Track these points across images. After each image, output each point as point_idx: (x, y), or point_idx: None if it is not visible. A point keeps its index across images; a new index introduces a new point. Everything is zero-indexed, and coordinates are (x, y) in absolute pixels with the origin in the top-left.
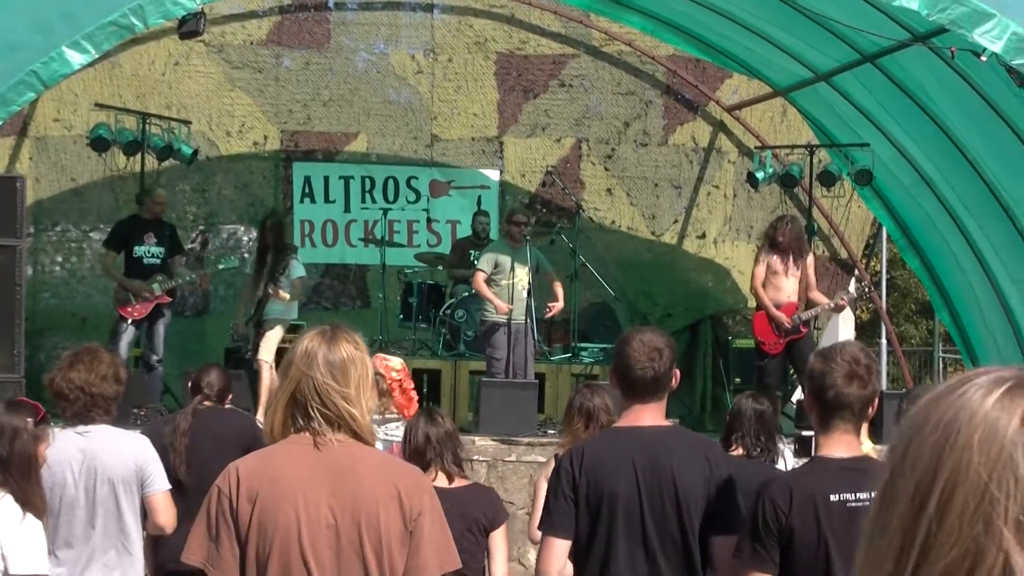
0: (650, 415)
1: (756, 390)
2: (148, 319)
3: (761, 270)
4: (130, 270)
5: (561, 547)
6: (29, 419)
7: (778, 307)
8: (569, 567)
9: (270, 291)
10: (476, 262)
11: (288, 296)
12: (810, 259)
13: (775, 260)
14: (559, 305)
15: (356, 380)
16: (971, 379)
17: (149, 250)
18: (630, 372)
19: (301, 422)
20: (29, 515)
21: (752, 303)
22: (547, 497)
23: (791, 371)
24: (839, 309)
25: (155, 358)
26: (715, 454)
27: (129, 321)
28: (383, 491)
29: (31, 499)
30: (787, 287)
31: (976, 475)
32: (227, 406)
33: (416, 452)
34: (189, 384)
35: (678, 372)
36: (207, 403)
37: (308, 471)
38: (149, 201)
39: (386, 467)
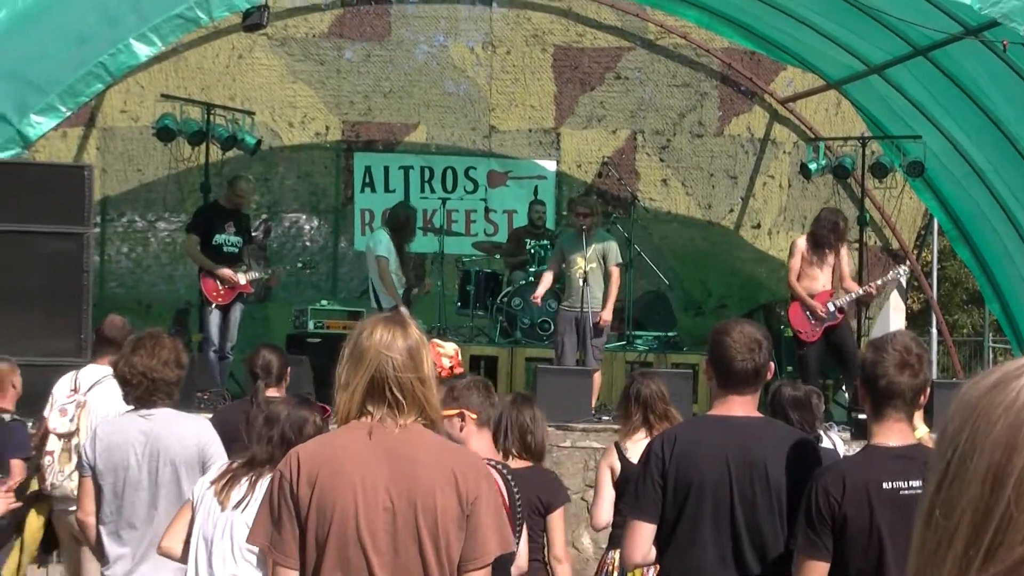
0: (743, 406)
1: (798, 379)
2: (227, 306)
3: (796, 263)
4: (208, 257)
5: (647, 531)
6: (316, 414)
7: (813, 296)
8: (654, 551)
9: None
10: (532, 253)
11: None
12: (844, 249)
13: (810, 251)
14: (605, 316)
15: (428, 364)
16: None
17: (228, 239)
18: (731, 363)
19: (369, 407)
20: None
21: None
22: (636, 481)
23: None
24: (868, 296)
25: (229, 345)
26: (806, 448)
27: (214, 305)
28: (440, 475)
29: None
30: (822, 277)
31: None
32: (285, 387)
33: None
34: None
35: (772, 365)
36: (270, 390)
37: (367, 455)
38: (231, 191)
39: (444, 452)
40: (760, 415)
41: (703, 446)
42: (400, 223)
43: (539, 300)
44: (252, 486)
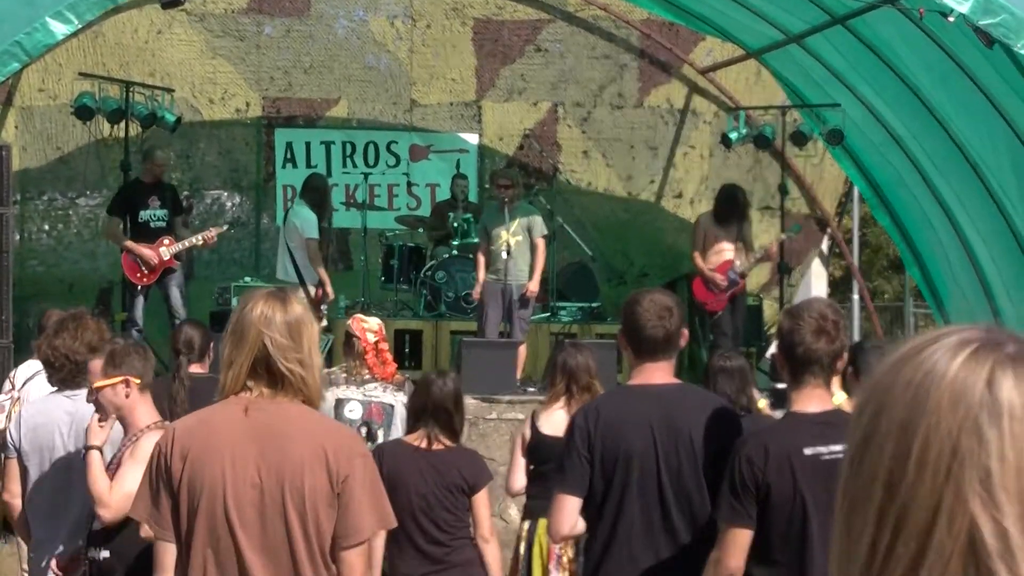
0: (661, 374)
1: (712, 347)
2: (158, 283)
3: (699, 239)
4: (136, 235)
5: (574, 504)
6: None
7: (715, 268)
8: (581, 524)
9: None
10: (455, 227)
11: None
12: (747, 220)
13: (713, 226)
14: (532, 287)
15: (308, 341)
16: (937, 339)
17: (154, 213)
18: (642, 331)
19: (249, 383)
20: None
21: None
22: (561, 455)
23: (765, 327)
24: (769, 256)
25: (177, 321)
26: (727, 412)
27: (139, 288)
28: (310, 453)
29: None
30: (727, 251)
31: (945, 438)
32: (208, 363)
33: (410, 414)
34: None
35: (686, 331)
36: (193, 366)
37: (239, 431)
38: (149, 163)
39: (316, 429)
40: (679, 381)
41: (627, 417)
42: (322, 198)
43: (479, 295)
44: None
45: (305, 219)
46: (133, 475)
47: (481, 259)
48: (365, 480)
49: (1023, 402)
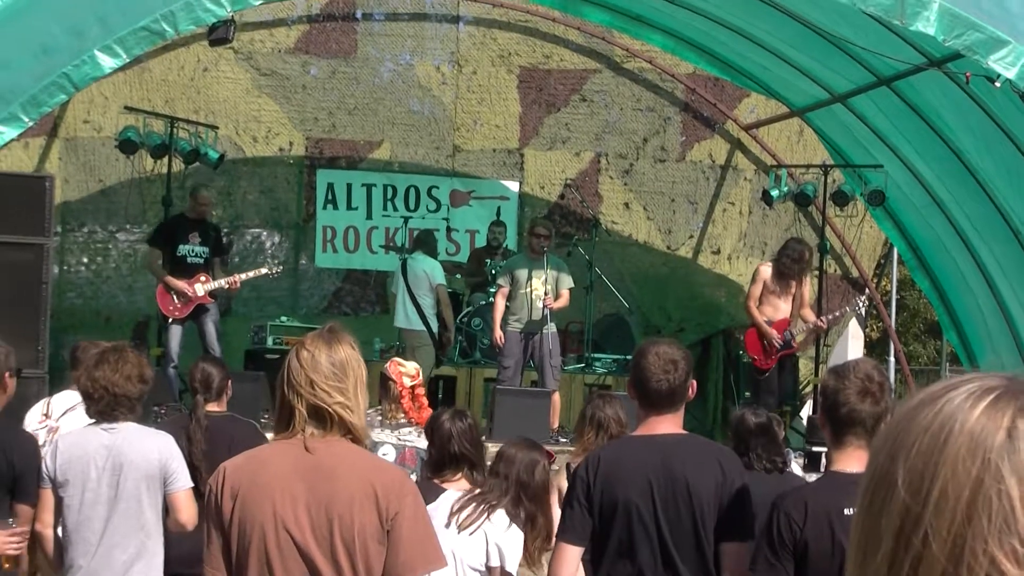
0: (665, 425)
1: (753, 404)
2: (194, 318)
3: (757, 290)
4: (173, 268)
5: (574, 553)
6: (545, 457)
7: (771, 324)
8: (581, 573)
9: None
10: (494, 274)
11: None
12: (806, 278)
13: (773, 280)
14: (557, 303)
15: (353, 381)
16: (955, 386)
17: (193, 249)
18: (647, 384)
19: (296, 423)
20: (514, 526)
21: None
22: (563, 504)
23: (801, 386)
24: (819, 329)
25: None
26: (728, 461)
27: (170, 320)
28: (360, 490)
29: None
30: (783, 305)
31: (965, 483)
32: (226, 401)
33: (461, 458)
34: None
35: (694, 383)
36: (210, 405)
37: (289, 469)
38: (192, 201)
39: (366, 467)
40: (683, 432)
41: (625, 466)
42: (434, 248)
43: (502, 338)
44: (481, 513)
45: (434, 267)
46: None
47: (500, 303)
48: (415, 518)
49: None
